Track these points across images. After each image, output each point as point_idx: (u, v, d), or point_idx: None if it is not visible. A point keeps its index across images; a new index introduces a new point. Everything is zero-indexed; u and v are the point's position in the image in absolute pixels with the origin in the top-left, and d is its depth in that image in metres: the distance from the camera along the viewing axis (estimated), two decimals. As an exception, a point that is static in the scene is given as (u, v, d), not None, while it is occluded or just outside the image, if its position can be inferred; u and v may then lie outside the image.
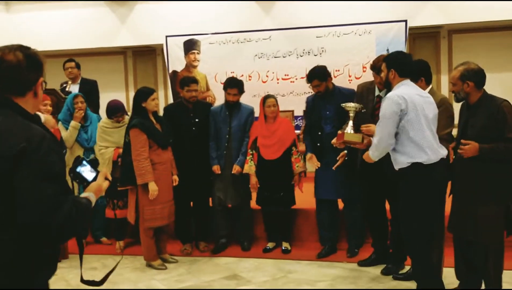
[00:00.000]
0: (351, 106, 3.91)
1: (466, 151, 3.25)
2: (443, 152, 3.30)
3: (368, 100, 4.11)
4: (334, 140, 3.98)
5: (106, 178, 1.96)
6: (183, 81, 4.94)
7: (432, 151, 3.21)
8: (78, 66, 6.28)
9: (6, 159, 1.54)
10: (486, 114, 3.24)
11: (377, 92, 4.11)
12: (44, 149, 1.59)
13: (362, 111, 3.92)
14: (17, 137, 1.57)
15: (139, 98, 4.42)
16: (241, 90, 4.85)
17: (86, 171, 1.96)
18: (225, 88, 4.88)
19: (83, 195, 1.83)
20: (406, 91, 3.25)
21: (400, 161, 3.29)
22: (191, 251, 4.89)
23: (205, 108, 5.00)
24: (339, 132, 3.87)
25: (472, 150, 3.23)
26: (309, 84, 4.54)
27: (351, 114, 3.89)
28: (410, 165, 3.23)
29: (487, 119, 3.22)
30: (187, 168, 4.71)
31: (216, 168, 4.82)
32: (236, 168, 4.77)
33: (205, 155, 4.85)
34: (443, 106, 3.63)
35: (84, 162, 1.98)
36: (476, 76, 3.29)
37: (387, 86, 3.59)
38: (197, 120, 4.84)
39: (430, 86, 3.84)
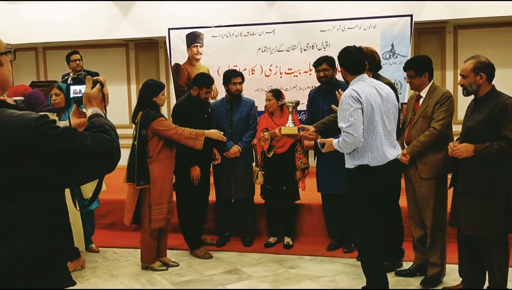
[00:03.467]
0: (289, 102, 4.52)
1: (459, 152, 3.26)
2: (394, 152, 3.27)
3: None
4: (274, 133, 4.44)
5: (100, 83, 1.82)
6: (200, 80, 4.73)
7: (378, 153, 3.19)
8: (82, 59, 6.28)
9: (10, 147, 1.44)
10: (490, 108, 3.20)
11: None
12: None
13: (299, 104, 4.69)
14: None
15: (151, 92, 4.23)
16: (243, 79, 4.82)
17: (78, 90, 1.88)
18: (227, 79, 4.76)
19: (89, 113, 1.76)
20: (360, 87, 3.24)
21: (348, 163, 3.32)
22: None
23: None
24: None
25: (465, 151, 3.24)
26: (316, 70, 4.54)
27: (290, 110, 4.46)
28: (357, 167, 3.25)
29: (489, 113, 3.19)
30: (202, 165, 4.60)
31: (237, 149, 4.73)
32: (233, 149, 4.70)
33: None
34: (444, 99, 3.63)
35: (71, 87, 1.89)
36: (488, 69, 3.27)
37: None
38: (206, 116, 4.72)
39: (432, 81, 3.81)
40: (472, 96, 3.36)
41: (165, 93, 4.35)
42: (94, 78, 1.85)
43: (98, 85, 1.81)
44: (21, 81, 7.45)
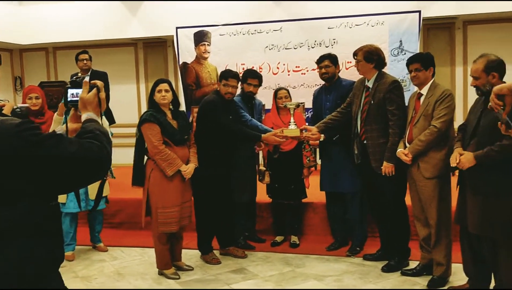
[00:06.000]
0: (291, 104, 4.41)
1: (461, 165, 3.22)
2: None
3: (360, 91, 4.15)
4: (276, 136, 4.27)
5: (96, 87, 1.80)
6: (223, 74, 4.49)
7: None
8: (90, 58, 6.34)
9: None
10: None
11: (366, 82, 4.11)
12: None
13: (300, 105, 4.66)
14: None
15: (151, 91, 4.15)
16: (260, 83, 4.68)
17: (75, 93, 1.86)
18: (244, 79, 4.64)
19: (83, 117, 1.74)
20: None
21: None
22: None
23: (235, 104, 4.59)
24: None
25: (467, 161, 3.20)
26: (318, 66, 4.55)
27: (292, 112, 4.38)
28: None
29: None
30: (223, 168, 4.41)
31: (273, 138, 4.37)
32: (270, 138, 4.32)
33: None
34: (444, 96, 3.61)
35: (69, 90, 1.88)
36: (500, 67, 3.21)
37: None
38: (230, 116, 4.42)
39: (433, 79, 3.80)
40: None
41: (164, 89, 4.03)
42: (91, 82, 1.86)
43: (94, 90, 1.79)
44: (32, 81, 7.56)
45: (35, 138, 1.42)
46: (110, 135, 4.83)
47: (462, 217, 3.37)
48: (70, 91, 1.89)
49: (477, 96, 3.37)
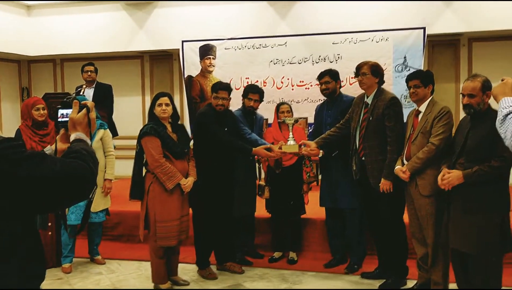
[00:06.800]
0: (289, 119, 4.45)
1: (449, 181, 3.22)
2: None
3: (359, 107, 4.14)
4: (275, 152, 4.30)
5: (86, 108, 1.81)
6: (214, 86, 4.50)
7: None
8: (96, 71, 6.39)
9: None
10: (488, 126, 3.13)
11: (365, 99, 4.10)
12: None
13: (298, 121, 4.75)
14: None
15: (150, 105, 4.17)
16: (261, 98, 4.69)
17: (65, 114, 1.87)
18: (246, 93, 4.66)
19: (72, 137, 1.73)
20: None
21: None
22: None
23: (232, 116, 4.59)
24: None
25: (455, 179, 3.20)
26: (319, 82, 4.54)
27: (290, 127, 4.39)
28: None
29: (488, 131, 3.12)
30: (223, 181, 4.38)
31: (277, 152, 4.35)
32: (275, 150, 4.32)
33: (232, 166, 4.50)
34: (442, 114, 3.59)
35: (59, 111, 1.88)
36: (491, 87, 3.22)
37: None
38: (226, 128, 4.39)
39: (432, 97, 3.78)
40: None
41: (164, 103, 4.02)
42: (82, 102, 1.86)
43: (84, 110, 1.80)
44: (40, 92, 7.65)
45: (16, 157, 1.40)
46: (113, 148, 4.88)
47: (449, 236, 3.34)
48: (60, 112, 1.89)
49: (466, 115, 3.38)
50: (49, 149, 1.90)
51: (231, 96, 4.49)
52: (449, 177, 3.22)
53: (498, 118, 2.09)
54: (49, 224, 4.58)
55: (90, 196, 1.74)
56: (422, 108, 3.72)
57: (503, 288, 3.29)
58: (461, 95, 3.35)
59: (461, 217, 3.23)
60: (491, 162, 3.07)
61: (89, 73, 6.30)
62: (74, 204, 1.61)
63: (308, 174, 4.71)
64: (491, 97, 3.15)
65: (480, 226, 3.14)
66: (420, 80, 3.72)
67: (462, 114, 6.79)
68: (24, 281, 1.49)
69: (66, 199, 1.56)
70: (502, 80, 2.20)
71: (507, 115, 2.03)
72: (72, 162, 1.52)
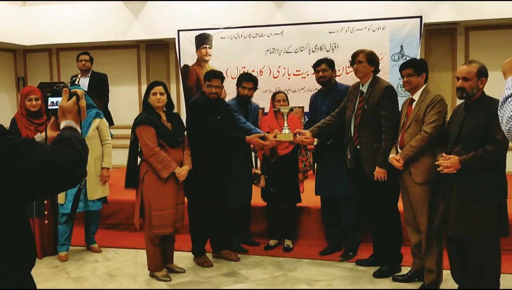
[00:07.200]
0: (284, 108, 4.46)
1: (449, 167, 3.24)
2: None
3: (354, 96, 4.14)
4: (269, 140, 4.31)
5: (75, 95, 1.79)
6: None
7: None
8: (91, 60, 6.36)
9: None
10: (483, 114, 3.16)
11: (360, 87, 4.11)
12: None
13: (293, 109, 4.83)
14: None
15: (146, 94, 4.16)
16: (255, 86, 4.68)
17: (54, 102, 1.86)
18: (239, 82, 4.65)
19: (62, 125, 1.72)
20: None
21: None
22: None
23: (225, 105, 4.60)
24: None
25: (453, 165, 3.22)
26: (315, 70, 4.53)
27: (285, 116, 4.40)
28: None
29: (483, 119, 3.14)
30: (219, 171, 4.39)
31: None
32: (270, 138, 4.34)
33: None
34: (435, 102, 3.60)
35: (49, 99, 1.87)
36: (487, 74, 3.25)
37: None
38: (219, 117, 4.41)
39: (425, 85, 3.80)
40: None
41: (159, 92, 4.03)
42: (72, 90, 1.86)
43: (73, 98, 1.79)
44: (35, 81, 7.62)
45: (5, 144, 1.40)
46: (110, 136, 4.88)
47: (446, 225, 3.36)
48: (50, 99, 1.89)
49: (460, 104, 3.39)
50: (39, 137, 1.90)
51: (226, 84, 4.49)
52: (447, 162, 3.23)
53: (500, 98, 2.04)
54: (46, 212, 4.60)
55: (80, 184, 1.73)
56: (416, 96, 3.73)
57: (502, 274, 3.33)
58: (456, 79, 3.35)
59: (459, 206, 3.25)
60: (485, 147, 3.09)
61: (83, 62, 6.29)
62: (63, 191, 1.60)
63: (303, 163, 4.72)
64: (485, 84, 3.21)
65: (479, 215, 3.16)
66: (414, 69, 3.72)
67: (459, 103, 6.81)
68: (13, 272, 1.49)
69: (55, 187, 1.55)
70: None
71: (507, 98, 1.95)
72: (61, 150, 1.51)
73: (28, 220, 1.62)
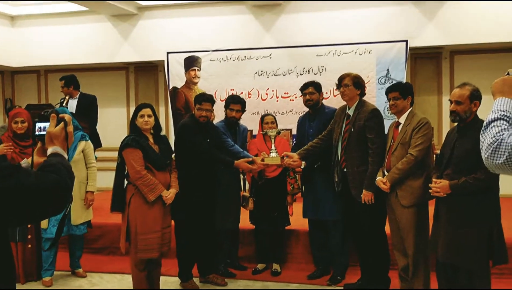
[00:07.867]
0: (271, 131, 4.47)
1: (439, 191, 3.26)
2: None
3: (341, 119, 4.17)
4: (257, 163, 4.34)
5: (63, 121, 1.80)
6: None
7: None
8: (67, 84, 6.11)
9: None
10: (474, 137, 3.16)
11: (347, 110, 4.14)
12: None
13: (280, 132, 4.81)
14: None
15: (133, 116, 4.11)
16: (243, 108, 4.71)
17: (42, 127, 1.85)
18: (227, 104, 4.68)
19: (49, 151, 1.71)
20: None
21: None
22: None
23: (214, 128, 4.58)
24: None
25: (443, 189, 3.24)
26: (302, 93, 4.55)
27: (272, 139, 4.41)
28: None
29: (474, 143, 3.14)
30: (206, 193, 4.38)
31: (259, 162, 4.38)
32: (257, 162, 4.37)
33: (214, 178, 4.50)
34: (421, 125, 3.63)
35: (37, 124, 1.86)
36: (480, 97, 3.26)
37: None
38: (208, 140, 4.39)
39: (411, 108, 3.83)
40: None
41: (146, 114, 3.99)
42: (60, 115, 1.85)
43: (61, 124, 1.79)
44: (23, 103, 7.59)
45: None
46: (95, 159, 4.84)
47: (436, 246, 3.35)
48: (37, 125, 1.88)
49: (453, 126, 3.40)
50: (25, 162, 1.88)
51: (215, 107, 4.50)
52: (437, 186, 3.25)
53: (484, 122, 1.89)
54: (29, 236, 4.53)
55: (65, 211, 1.70)
56: (402, 119, 3.77)
57: None
58: (449, 102, 3.36)
59: (448, 230, 3.24)
60: (477, 174, 3.11)
61: (61, 89, 6.20)
62: (47, 218, 1.58)
63: (292, 186, 4.71)
64: (479, 107, 3.22)
65: (468, 239, 3.16)
66: (400, 92, 3.76)
67: (445, 126, 6.89)
68: None
69: (39, 213, 1.53)
70: (507, 74, 1.87)
71: (491, 122, 1.80)
72: (47, 176, 1.51)
73: (10, 244, 1.59)
